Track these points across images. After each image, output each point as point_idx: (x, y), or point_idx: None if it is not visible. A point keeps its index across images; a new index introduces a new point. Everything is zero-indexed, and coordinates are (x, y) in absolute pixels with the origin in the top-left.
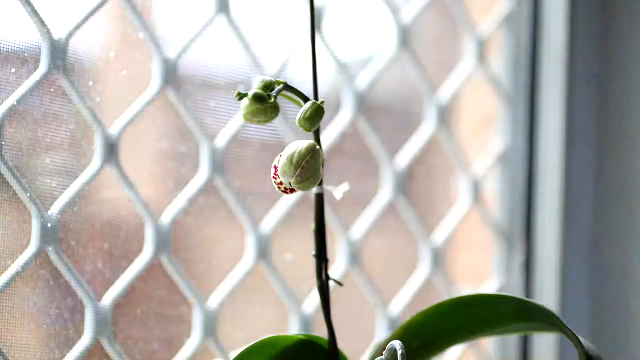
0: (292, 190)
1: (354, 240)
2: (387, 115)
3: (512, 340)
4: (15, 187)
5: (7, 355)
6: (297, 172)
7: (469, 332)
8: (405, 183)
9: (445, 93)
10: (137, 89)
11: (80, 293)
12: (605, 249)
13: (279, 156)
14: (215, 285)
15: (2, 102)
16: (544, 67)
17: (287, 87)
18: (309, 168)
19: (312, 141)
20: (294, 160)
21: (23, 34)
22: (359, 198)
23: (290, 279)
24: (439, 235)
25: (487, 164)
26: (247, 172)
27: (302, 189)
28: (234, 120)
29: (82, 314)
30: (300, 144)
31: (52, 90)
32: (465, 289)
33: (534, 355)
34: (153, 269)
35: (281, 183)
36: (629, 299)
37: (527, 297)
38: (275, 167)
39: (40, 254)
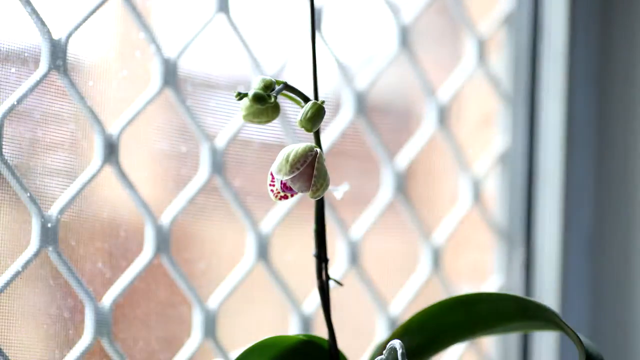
0: (293, 194)
1: (353, 240)
2: (387, 115)
3: (512, 339)
4: (15, 187)
5: (7, 355)
6: (293, 172)
7: (469, 330)
8: (405, 183)
9: (445, 93)
10: (137, 89)
11: (80, 293)
12: (605, 249)
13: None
14: (215, 285)
15: (2, 102)
16: (544, 67)
17: (287, 87)
18: (319, 176)
19: (309, 143)
20: (290, 158)
21: (23, 34)
22: (359, 198)
23: (290, 279)
24: (439, 235)
25: (487, 164)
26: (247, 172)
27: (319, 196)
28: (234, 120)
29: (82, 314)
30: (298, 144)
31: (52, 90)
32: (466, 289)
33: (534, 355)
34: (153, 269)
35: (279, 191)
36: (629, 299)
37: (527, 296)
38: (272, 175)
39: (40, 254)
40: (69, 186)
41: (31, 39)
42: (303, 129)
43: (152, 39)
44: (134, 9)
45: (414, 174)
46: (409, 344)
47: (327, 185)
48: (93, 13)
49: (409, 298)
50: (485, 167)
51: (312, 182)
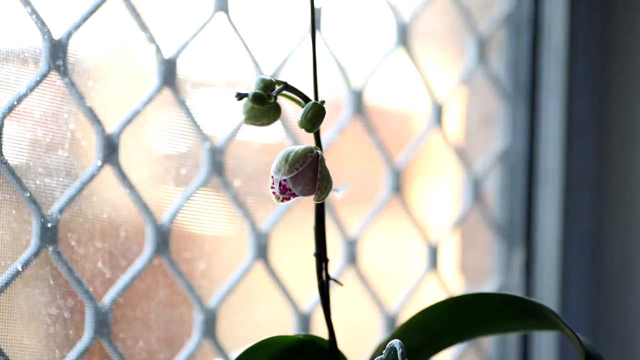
0: (293, 195)
1: (353, 240)
2: (386, 115)
3: (512, 339)
4: (15, 187)
5: (7, 355)
6: (292, 172)
7: (469, 330)
8: (404, 183)
9: (444, 93)
10: (137, 89)
11: (80, 293)
12: (605, 249)
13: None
14: (215, 285)
15: (2, 102)
16: (544, 67)
17: (287, 87)
18: (323, 179)
19: (309, 144)
20: (290, 158)
21: (23, 34)
22: (358, 198)
23: (290, 279)
24: (438, 235)
25: (487, 164)
26: (247, 172)
27: (322, 199)
28: (234, 120)
29: (82, 314)
30: (298, 146)
31: (52, 90)
32: (466, 289)
33: (534, 355)
34: (153, 269)
35: (280, 194)
36: (629, 299)
37: (527, 296)
38: (273, 177)
39: (40, 253)
40: (69, 186)
41: (31, 39)
42: (303, 129)
43: (152, 39)
44: (134, 9)
45: (414, 174)
46: (409, 344)
47: (331, 188)
48: (93, 13)
49: (408, 298)
50: (485, 167)
51: (317, 185)
